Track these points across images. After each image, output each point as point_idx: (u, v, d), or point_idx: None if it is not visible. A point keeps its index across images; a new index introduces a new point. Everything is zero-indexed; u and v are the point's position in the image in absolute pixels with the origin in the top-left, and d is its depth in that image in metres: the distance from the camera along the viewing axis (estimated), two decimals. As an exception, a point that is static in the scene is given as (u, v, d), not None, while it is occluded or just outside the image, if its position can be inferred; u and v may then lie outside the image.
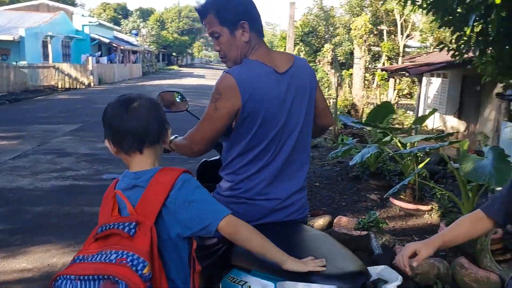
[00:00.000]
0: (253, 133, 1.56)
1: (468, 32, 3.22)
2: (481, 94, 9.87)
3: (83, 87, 19.05)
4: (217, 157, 2.10)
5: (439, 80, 11.68)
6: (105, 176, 5.36)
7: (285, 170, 1.62)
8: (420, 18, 14.41)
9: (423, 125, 11.32)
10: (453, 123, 11.14)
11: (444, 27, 3.96)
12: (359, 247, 3.28)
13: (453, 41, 4.06)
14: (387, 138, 5.06)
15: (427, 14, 3.90)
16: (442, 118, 11.49)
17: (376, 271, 1.15)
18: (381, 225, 3.59)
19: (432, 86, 12.30)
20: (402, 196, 4.94)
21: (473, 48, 3.69)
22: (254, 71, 1.55)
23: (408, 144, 4.99)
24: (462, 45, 3.80)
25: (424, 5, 3.91)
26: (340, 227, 3.59)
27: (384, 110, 5.51)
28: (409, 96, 16.32)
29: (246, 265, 1.38)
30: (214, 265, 1.63)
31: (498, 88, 8.64)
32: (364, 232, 3.23)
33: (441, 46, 4.07)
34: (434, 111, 5.60)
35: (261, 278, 1.26)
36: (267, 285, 1.21)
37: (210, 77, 33.30)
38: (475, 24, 3.11)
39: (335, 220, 3.86)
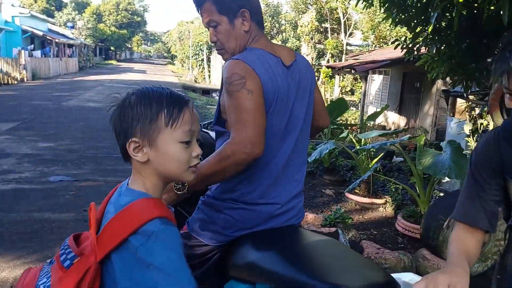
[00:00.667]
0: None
1: (430, 29, 3.31)
2: (421, 90, 10.37)
3: (16, 82, 17.71)
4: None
5: (381, 77, 12.15)
6: (52, 178, 4.96)
7: (285, 172, 1.51)
8: (362, 17, 14.90)
9: (367, 121, 11.76)
10: (394, 119, 11.64)
11: (400, 25, 4.05)
12: (327, 244, 3.28)
13: (407, 38, 4.18)
14: (344, 134, 5.14)
15: (385, 12, 3.96)
16: (383, 114, 11.96)
17: (401, 279, 1.08)
18: (347, 220, 3.62)
19: (374, 83, 12.77)
20: (356, 191, 5.05)
21: (429, 46, 3.80)
22: (263, 58, 1.41)
23: (363, 140, 5.10)
24: (420, 43, 3.90)
25: (377, 3, 3.98)
26: (308, 224, 3.57)
27: (339, 106, 5.60)
28: (351, 93, 16.87)
29: (249, 277, 1.27)
30: (208, 275, 1.50)
31: (438, 85, 9.14)
32: (333, 229, 3.23)
33: (396, 44, 4.16)
34: (386, 107, 5.77)
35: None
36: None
37: (151, 72, 32.43)
38: (433, 22, 3.19)
39: (300, 217, 3.84)
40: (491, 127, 3.94)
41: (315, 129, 1.74)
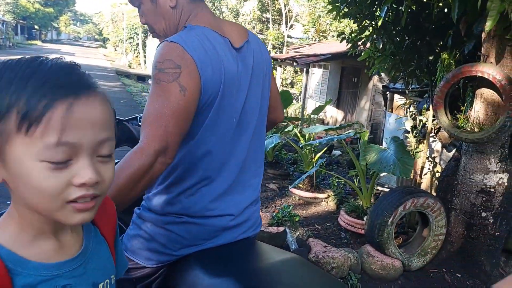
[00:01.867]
0: (203, 127, 1.16)
1: (380, 24, 3.31)
2: (358, 85, 10.69)
3: None
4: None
5: (321, 71, 12.36)
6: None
7: (239, 177, 1.27)
8: (303, 10, 15.04)
9: (305, 114, 11.93)
10: (332, 113, 11.92)
11: (347, 18, 4.04)
12: (275, 244, 3.21)
13: (353, 32, 4.19)
14: (289, 128, 5.09)
15: (331, 4, 3.93)
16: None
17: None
18: (294, 218, 3.56)
19: (314, 76, 12.97)
20: (300, 185, 5.05)
21: (375, 41, 3.82)
22: (205, 39, 1.14)
23: (307, 134, 5.09)
24: (366, 37, 3.92)
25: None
26: (254, 222, 3.47)
27: (283, 99, 5.53)
28: (291, 86, 17.06)
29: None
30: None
31: (375, 81, 9.45)
32: (281, 228, 3.16)
33: (341, 37, 4.16)
34: (330, 101, 5.82)
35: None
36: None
37: (80, 55, 30.60)
38: (383, 16, 3.20)
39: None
40: (429, 124, 4.08)
41: (269, 124, 1.47)
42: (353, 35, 4.15)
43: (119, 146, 1.61)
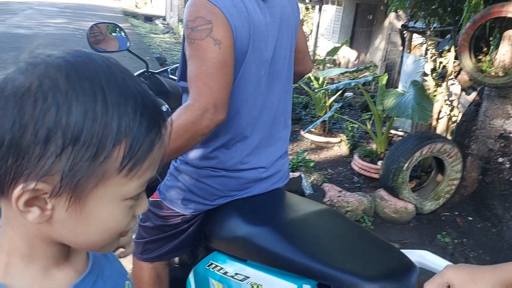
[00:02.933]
0: (235, 83, 1.16)
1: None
2: (373, 23, 10.28)
3: None
4: (164, 109, 1.72)
5: (334, 7, 11.85)
6: None
7: (270, 130, 1.31)
8: None
9: (316, 54, 11.60)
10: (345, 53, 11.56)
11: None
12: (290, 189, 3.24)
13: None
14: (303, 71, 4.95)
15: None
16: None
17: (414, 257, 0.98)
18: (309, 164, 3.56)
19: (326, 14, 12.46)
20: (312, 129, 5.01)
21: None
22: None
23: (321, 78, 4.97)
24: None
25: None
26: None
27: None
28: (301, 23, 16.44)
29: (239, 253, 1.13)
30: (186, 245, 1.35)
31: (391, 19, 9.05)
32: (297, 174, 3.17)
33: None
34: (346, 42, 5.63)
35: (273, 275, 1.02)
36: (284, 285, 0.98)
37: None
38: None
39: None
40: (450, 66, 3.93)
41: (297, 76, 1.46)
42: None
43: None
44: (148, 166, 0.48)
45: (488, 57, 3.11)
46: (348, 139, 4.78)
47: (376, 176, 3.77)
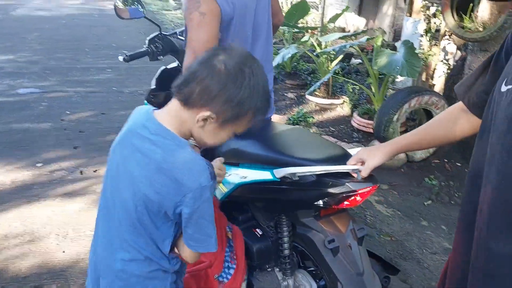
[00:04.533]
0: (230, 38, 1.60)
1: None
2: (380, -10, 10.36)
3: None
4: (176, 64, 2.14)
5: (342, -24, 11.92)
6: (22, 91, 4.94)
7: None
8: None
9: (325, 23, 11.74)
10: (354, 21, 11.68)
11: None
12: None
13: None
14: (305, 38, 5.28)
15: None
16: (343, 16, 11.96)
17: (352, 152, 1.39)
18: (308, 119, 3.95)
19: (335, -18, 12.52)
20: (316, 93, 5.36)
21: None
22: None
23: (323, 43, 5.28)
24: None
25: None
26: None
27: (300, 9, 5.64)
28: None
29: (234, 159, 1.56)
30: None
31: (397, -15, 9.15)
32: (297, 127, 3.56)
33: None
34: (347, 8, 5.89)
35: (254, 169, 1.45)
36: (262, 173, 1.41)
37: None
38: None
39: (267, 118, 4.15)
40: (442, 27, 4.21)
41: (273, 28, 1.90)
42: None
43: (164, 55, 2.04)
44: (252, 124, 1.06)
45: (469, 15, 3.40)
46: (350, 100, 5.11)
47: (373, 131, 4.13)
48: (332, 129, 4.64)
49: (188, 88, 0.97)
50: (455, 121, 1.13)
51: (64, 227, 2.54)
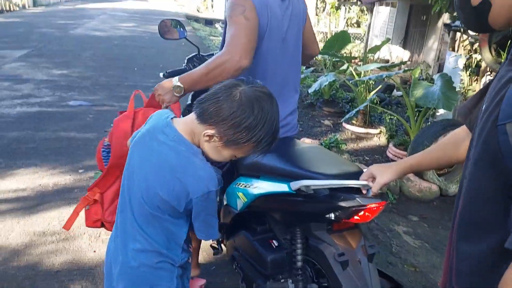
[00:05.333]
0: (259, 53, 1.67)
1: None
2: (426, 24, 10.33)
3: (17, 9, 17.43)
4: None
5: (388, 9, 11.99)
6: (72, 102, 5.31)
7: (283, 90, 1.80)
8: None
9: (369, 55, 11.79)
10: (398, 53, 11.67)
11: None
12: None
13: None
14: (344, 67, 5.36)
15: None
16: (388, 48, 11.97)
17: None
18: (340, 145, 3.98)
19: (380, 15, 12.61)
20: (353, 121, 5.39)
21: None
22: None
23: (362, 73, 5.34)
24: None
25: None
26: (305, 147, 3.95)
27: (341, 39, 5.74)
28: (357, 25, 16.63)
29: (255, 172, 1.65)
30: (224, 178, 1.87)
31: (445, 19, 9.12)
32: (316, 145, 3.60)
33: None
34: (387, 40, 5.93)
35: (273, 181, 1.53)
36: (280, 186, 1.48)
37: (154, 1, 31.50)
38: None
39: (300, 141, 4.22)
40: (483, 63, 4.18)
41: (306, 57, 2.02)
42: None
43: None
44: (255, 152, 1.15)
45: (506, 51, 3.38)
46: (387, 131, 5.09)
47: (406, 161, 4.09)
48: (367, 158, 4.64)
49: (205, 105, 1.09)
50: (460, 143, 1.16)
51: (97, 229, 2.69)
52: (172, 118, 1.18)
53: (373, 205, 1.26)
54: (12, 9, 17.09)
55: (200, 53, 2.26)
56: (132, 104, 1.72)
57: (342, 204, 1.30)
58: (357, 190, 1.32)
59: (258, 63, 1.71)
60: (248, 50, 1.54)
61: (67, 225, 1.72)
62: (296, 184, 1.37)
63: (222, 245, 2.13)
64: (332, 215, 1.34)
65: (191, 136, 1.14)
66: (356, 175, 1.36)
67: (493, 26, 0.85)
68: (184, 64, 2.20)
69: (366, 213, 1.29)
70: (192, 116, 1.13)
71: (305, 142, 1.83)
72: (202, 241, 2.16)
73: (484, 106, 0.86)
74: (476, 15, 0.85)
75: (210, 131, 1.08)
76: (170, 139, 1.13)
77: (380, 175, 1.26)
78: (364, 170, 1.36)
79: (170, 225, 1.18)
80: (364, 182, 1.28)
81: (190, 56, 2.21)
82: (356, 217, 1.31)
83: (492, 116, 0.77)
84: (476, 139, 0.84)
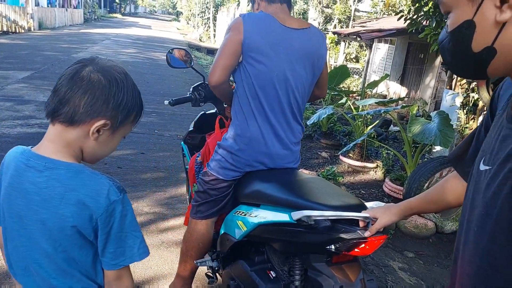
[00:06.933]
0: (258, 70, 1.75)
1: (430, 4, 3.56)
2: (424, 62, 10.57)
3: (23, 31, 17.73)
4: (214, 110, 2.32)
5: (386, 46, 12.29)
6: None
7: (284, 121, 1.83)
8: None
9: (367, 89, 12.00)
10: (396, 89, 11.88)
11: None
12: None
13: (411, 10, 4.42)
14: (343, 101, 5.45)
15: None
16: (385, 84, 12.20)
17: (369, 205, 1.45)
18: (338, 178, 4.00)
19: (379, 52, 12.91)
20: (350, 154, 5.43)
21: (429, 20, 4.05)
22: (262, 18, 1.78)
23: (360, 107, 5.42)
24: (421, 16, 4.15)
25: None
26: (303, 179, 3.97)
27: (340, 73, 5.86)
28: (355, 60, 16.98)
29: (255, 200, 1.66)
30: (229, 205, 1.89)
31: (441, 58, 9.33)
32: (317, 177, 3.62)
33: (399, 15, 4.41)
34: (386, 76, 6.04)
35: (273, 210, 1.54)
36: (280, 215, 1.49)
37: (156, 28, 32.15)
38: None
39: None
40: (480, 101, 4.25)
41: (313, 97, 2.07)
42: (411, 13, 4.37)
43: (205, 102, 2.24)
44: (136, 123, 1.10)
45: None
46: (383, 165, 5.14)
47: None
48: (363, 191, 4.65)
49: (67, 107, 0.94)
50: (454, 189, 1.13)
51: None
52: (31, 148, 1.02)
53: (374, 239, 1.27)
54: (18, 31, 17.38)
55: (205, 81, 2.31)
56: (218, 125, 2.09)
57: (343, 236, 1.31)
58: (357, 224, 1.33)
59: (251, 96, 1.79)
60: (217, 69, 1.77)
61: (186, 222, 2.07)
62: (297, 214, 1.38)
63: (217, 274, 2.12)
64: (332, 247, 1.34)
65: (65, 151, 0.98)
66: (357, 207, 1.38)
67: (491, 74, 0.76)
68: (189, 92, 2.25)
69: (367, 246, 1.30)
70: (54, 130, 0.98)
71: (305, 173, 1.85)
72: (197, 269, 2.14)
73: (483, 162, 0.79)
74: (475, 62, 0.75)
75: (99, 123, 0.97)
76: (41, 169, 0.96)
77: (381, 216, 1.28)
78: (366, 204, 1.38)
79: (88, 263, 1.04)
80: (366, 215, 1.29)
81: (196, 84, 2.26)
82: (356, 250, 1.31)
83: (506, 188, 0.68)
84: (483, 206, 0.74)
